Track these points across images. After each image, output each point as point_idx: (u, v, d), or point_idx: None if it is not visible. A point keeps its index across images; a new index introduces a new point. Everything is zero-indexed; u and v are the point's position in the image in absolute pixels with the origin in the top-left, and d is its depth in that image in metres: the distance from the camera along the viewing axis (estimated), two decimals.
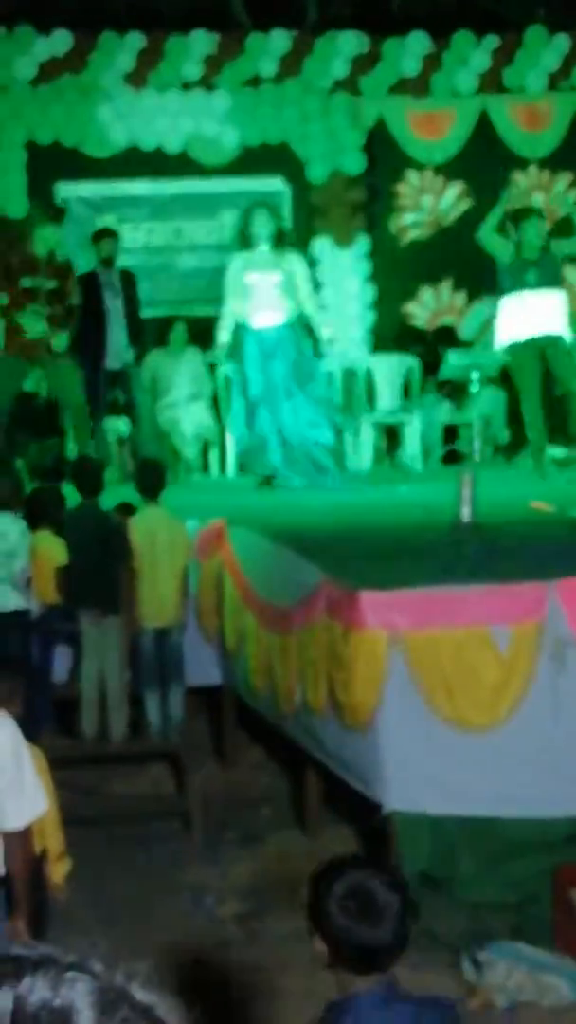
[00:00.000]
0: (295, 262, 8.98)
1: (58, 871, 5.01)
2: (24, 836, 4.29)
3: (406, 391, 10.83)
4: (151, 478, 7.67)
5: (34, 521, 7.34)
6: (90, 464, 8.28)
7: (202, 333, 9.98)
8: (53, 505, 7.61)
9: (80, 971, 0.98)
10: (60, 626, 7.43)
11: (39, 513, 7.44)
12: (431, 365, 10.96)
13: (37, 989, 0.97)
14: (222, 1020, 4.75)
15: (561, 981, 5.46)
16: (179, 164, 11.50)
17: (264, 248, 8.88)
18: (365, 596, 5.68)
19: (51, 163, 11.29)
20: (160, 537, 7.37)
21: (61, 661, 7.59)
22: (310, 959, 5.57)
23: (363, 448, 10.71)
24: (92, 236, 10.31)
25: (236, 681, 7.43)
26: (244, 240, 8.95)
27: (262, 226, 8.85)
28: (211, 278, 10.36)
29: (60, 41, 11.19)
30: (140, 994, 0.99)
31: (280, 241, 8.93)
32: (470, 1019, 5.26)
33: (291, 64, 11.51)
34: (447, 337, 11.40)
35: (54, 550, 7.30)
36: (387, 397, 10.83)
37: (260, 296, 8.80)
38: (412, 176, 11.90)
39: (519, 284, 8.93)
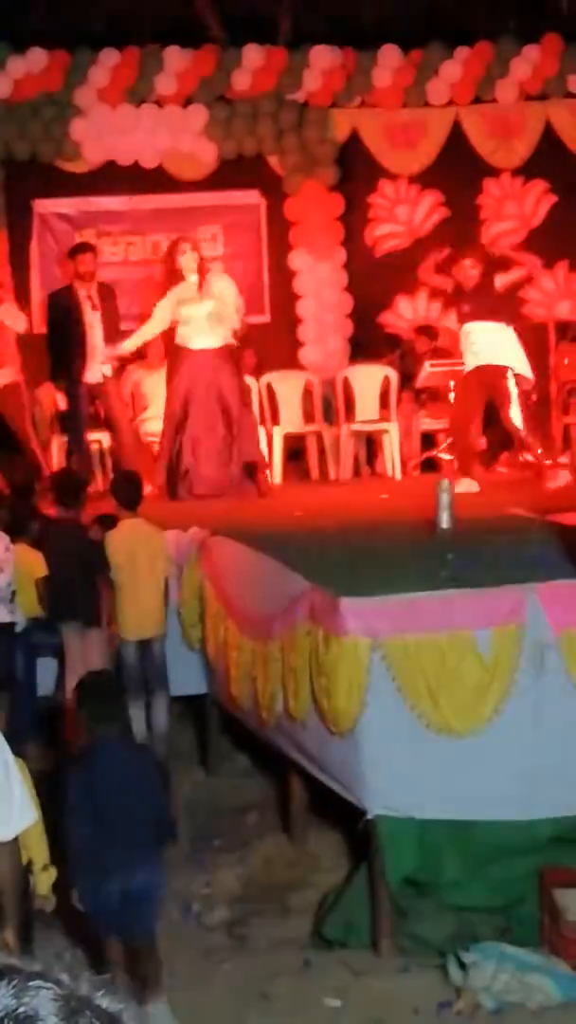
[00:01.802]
0: (222, 289, 9.48)
1: (43, 882, 5.03)
2: (12, 847, 4.31)
3: (384, 400, 10.89)
4: (130, 490, 7.70)
5: (11, 535, 7.37)
6: (72, 477, 8.30)
7: None
8: (28, 519, 7.65)
9: (44, 980, 1.00)
10: (43, 638, 7.46)
11: (15, 527, 7.46)
12: (408, 374, 11.03)
13: (1, 997, 0.99)
14: None
15: (547, 982, 5.48)
16: (156, 179, 11.55)
17: (192, 281, 9.36)
18: (346, 603, 5.71)
19: (28, 179, 11.33)
20: (140, 548, 7.40)
21: (45, 673, 7.61)
22: (300, 965, 5.62)
23: (343, 456, 10.77)
24: (70, 251, 10.35)
25: (219, 690, 7.46)
26: (175, 275, 9.47)
27: (190, 261, 9.36)
28: None
29: (35, 60, 11.24)
30: (105, 1002, 1.01)
31: (205, 272, 9.47)
32: (457, 1022, 5.30)
33: (265, 78, 11.58)
34: (424, 345, 11.45)
35: (32, 563, 7.33)
36: (366, 406, 10.89)
37: (194, 325, 9.34)
38: (387, 187, 11.97)
39: None
